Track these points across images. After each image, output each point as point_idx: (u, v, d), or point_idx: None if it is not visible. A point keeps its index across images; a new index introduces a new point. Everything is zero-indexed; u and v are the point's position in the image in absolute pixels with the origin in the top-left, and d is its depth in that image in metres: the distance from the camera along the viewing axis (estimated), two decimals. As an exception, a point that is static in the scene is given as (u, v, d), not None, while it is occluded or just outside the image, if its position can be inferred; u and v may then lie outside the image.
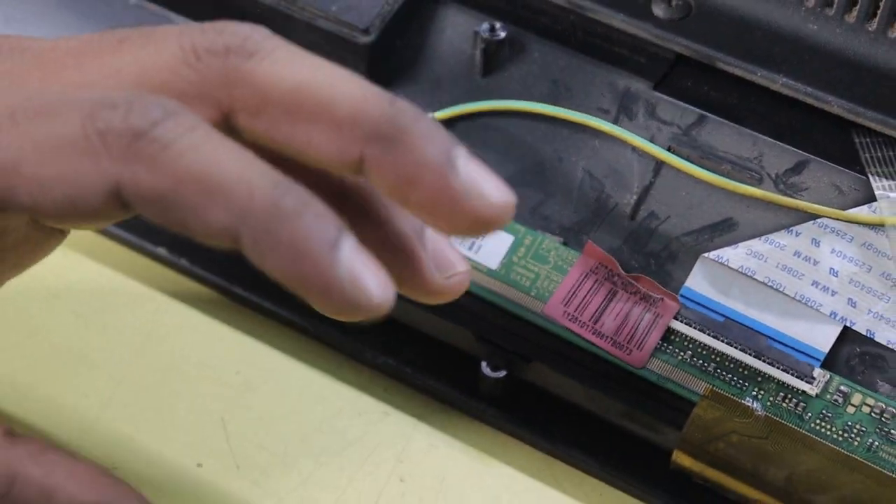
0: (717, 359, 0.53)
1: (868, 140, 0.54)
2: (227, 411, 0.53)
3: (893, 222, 0.52)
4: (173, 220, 0.37)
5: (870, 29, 0.54)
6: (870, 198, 0.53)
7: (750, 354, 0.52)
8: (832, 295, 0.53)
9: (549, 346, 0.54)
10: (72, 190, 0.37)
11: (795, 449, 0.50)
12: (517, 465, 0.53)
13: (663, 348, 0.53)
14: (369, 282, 0.37)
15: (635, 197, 0.55)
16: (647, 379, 0.53)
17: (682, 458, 0.51)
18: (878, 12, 0.54)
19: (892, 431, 0.51)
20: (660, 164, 0.55)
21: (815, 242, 0.53)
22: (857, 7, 0.54)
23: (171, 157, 0.36)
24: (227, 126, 0.40)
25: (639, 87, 0.56)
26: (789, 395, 0.52)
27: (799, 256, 0.53)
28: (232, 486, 0.52)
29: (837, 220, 0.53)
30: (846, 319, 0.52)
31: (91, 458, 0.52)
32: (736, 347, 0.52)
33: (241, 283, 0.56)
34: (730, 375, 0.52)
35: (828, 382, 0.52)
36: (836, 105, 0.53)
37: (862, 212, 0.53)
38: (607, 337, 0.53)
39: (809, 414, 0.51)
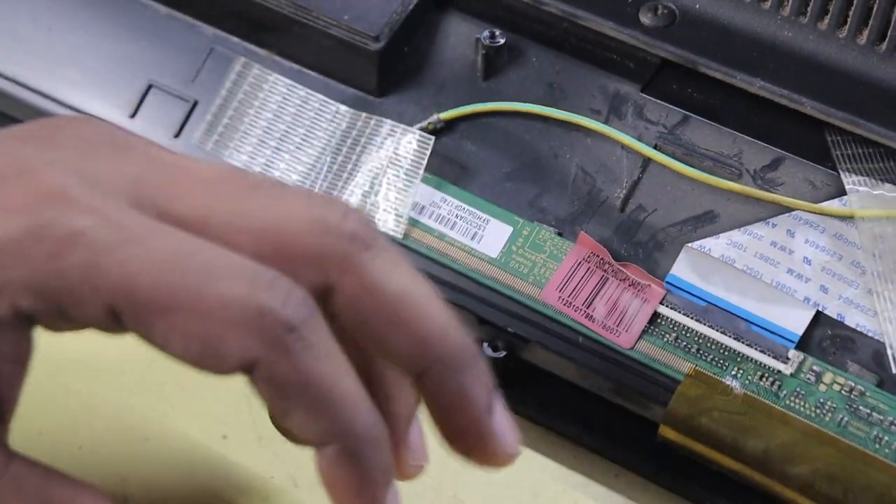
0: (700, 341, 0.52)
1: (839, 138, 0.53)
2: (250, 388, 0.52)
3: (862, 215, 0.52)
4: (281, 408, 0.37)
5: (840, 36, 0.54)
6: (841, 192, 0.53)
7: (730, 337, 0.52)
8: (805, 282, 0.52)
9: (545, 329, 0.53)
10: (210, 352, 0.37)
11: (771, 424, 0.50)
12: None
13: (650, 331, 0.53)
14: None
15: (624, 191, 0.55)
16: (636, 359, 0.53)
17: (667, 432, 0.51)
18: (848, 21, 0.53)
19: (860, 408, 0.50)
20: (647, 161, 0.55)
21: (790, 233, 0.53)
22: (829, 16, 0.54)
23: (309, 360, 0.37)
24: (321, 297, 0.39)
25: (628, 89, 0.56)
26: (766, 375, 0.51)
27: (775, 246, 0.53)
28: (254, 457, 0.51)
29: (811, 212, 0.53)
30: (819, 304, 0.52)
31: (127, 431, 0.52)
32: (717, 330, 0.52)
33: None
34: (711, 356, 0.52)
35: (801, 363, 0.51)
36: (809, 106, 0.53)
37: (833, 205, 0.53)
38: (599, 320, 0.53)
39: (784, 392, 0.51)
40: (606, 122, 0.55)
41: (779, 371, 0.51)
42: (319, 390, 0.37)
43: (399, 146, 0.56)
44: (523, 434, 0.53)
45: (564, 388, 0.54)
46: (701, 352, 0.52)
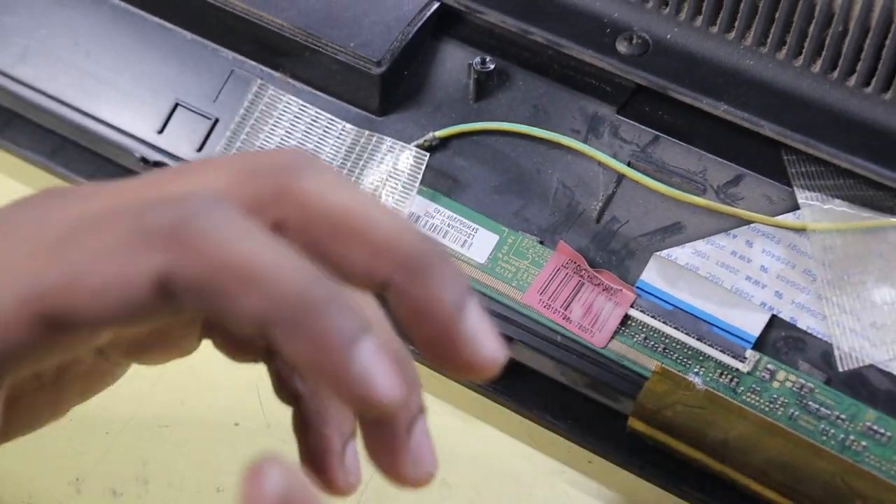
0: (666, 341, 0.52)
1: (794, 158, 0.53)
2: (260, 379, 0.53)
3: (814, 227, 0.52)
4: (213, 307, 0.33)
5: (796, 65, 0.54)
6: (795, 206, 0.53)
7: (693, 337, 0.52)
8: (762, 288, 0.52)
9: (527, 329, 0.53)
10: (121, 290, 0.33)
11: (729, 417, 0.50)
12: (499, 427, 0.53)
13: (622, 331, 0.53)
14: (379, 381, 0.33)
15: (600, 204, 0.55)
16: (608, 357, 0.53)
17: (636, 424, 0.51)
18: (804, 51, 0.53)
19: (810, 403, 0.50)
20: (621, 177, 0.55)
21: (749, 244, 0.53)
22: (787, 47, 0.54)
23: (212, 243, 0.33)
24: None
25: (605, 111, 0.56)
26: (725, 372, 0.51)
27: (735, 255, 0.53)
28: (263, 442, 0.52)
29: (768, 224, 0.53)
30: (774, 309, 0.52)
31: (147, 419, 0.52)
32: (682, 331, 0.52)
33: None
34: (676, 355, 0.52)
35: (757, 361, 0.51)
36: (767, 128, 0.52)
37: (788, 218, 0.53)
38: (575, 321, 0.53)
39: (741, 388, 0.51)
40: (585, 140, 0.55)
41: (737, 369, 0.51)
42: (236, 269, 0.33)
43: (398, 161, 0.56)
44: (506, 425, 0.53)
45: (544, 383, 0.54)
46: (667, 351, 0.52)
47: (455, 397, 0.53)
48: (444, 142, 0.57)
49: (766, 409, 0.51)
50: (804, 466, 0.49)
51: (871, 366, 0.51)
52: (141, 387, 0.53)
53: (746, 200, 0.53)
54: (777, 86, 0.54)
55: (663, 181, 0.54)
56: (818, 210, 0.52)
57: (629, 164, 0.55)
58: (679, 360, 0.52)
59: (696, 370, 0.52)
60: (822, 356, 0.51)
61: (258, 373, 0.52)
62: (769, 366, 0.51)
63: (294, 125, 0.58)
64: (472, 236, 0.55)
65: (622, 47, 0.55)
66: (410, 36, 0.57)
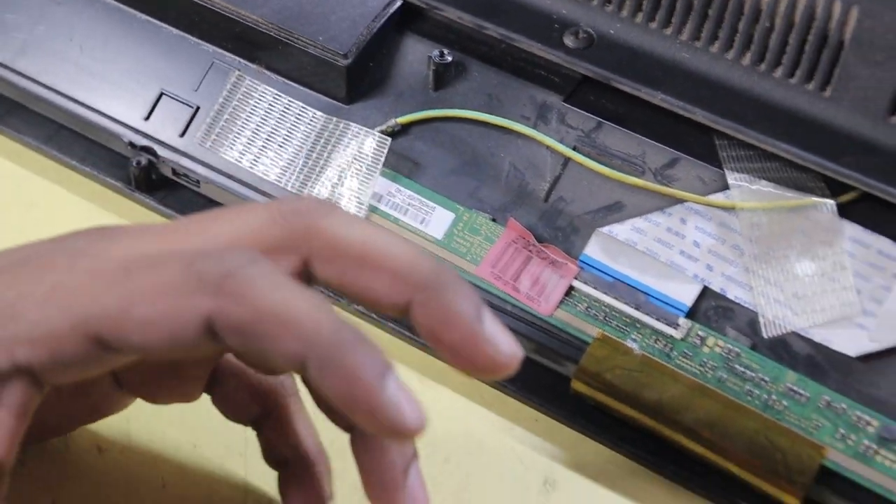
0: (607, 310, 0.52)
1: (725, 142, 0.53)
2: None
3: (742, 206, 0.52)
4: (254, 349, 0.36)
5: (728, 58, 0.53)
6: (725, 187, 0.52)
7: (631, 307, 0.52)
8: (695, 261, 0.52)
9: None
10: (172, 324, 0.36)
11: (664, 379, 0.50)
12: (452, 388, 0.53)
13: (566, 301, 0.53)
14: (406, 409, 0.35)
15: (548, 184, 0.54)
16: (554, 324, 0.53)
17: (579, 386, 0.51)
18: (734, 45, 0.53)
19: (737, 367, 0.50)
20: (567, 160, 0.55)
21: (683, 221, 0.53)
22: (718, 41, 0.53)
23: (254, 293, 0.35)
24: (306, 272, 0.39)
25: (552, 100, 0.56)
26: (660, 338, 0.51)
27: (670, 231, 0.53)
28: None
29: (700, 203, 0.53)
30: (705, 280, 0.52)
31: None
32: (621, 301, 0.52)
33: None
34: (616, 322, 0.52)
35: (689, 329, 0.51)
36: (701, 116, 0.52)
37: (719, 198, 0.52)
38: (524, 292, 0.53)
39: (675, 353, 0.51)
40: (534, 127, 0.55)
41: (670, 336, 0.51)
42: (274, 314, 0.35)
43: (363, 145, 0.56)
44: (459, 386, 0.53)
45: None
46: (607, 319, 0.52)
47: (413, 360, 0.53)
48: (406, 128, 0.57)
49: (697, 372, 0.51)
50: (731, 424, 0.49)
51: (792, 332, 0.50)
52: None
53: (681, 181, 0.53)
54: (710, 77, 0.54)
55: (606, 164, 0.54)
56: (746, 190, 0.52)
57: (575, 149, 0.54)
58: (618, 328, 0.52)
59: (633, 337, 0.52)
60: (748, 324, 0.51)
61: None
62: (700, 332, 0.51)
63: (269, 113, 0.57)
64: (430, 214, 0.55)
65: (569, 41, 0.55)
66: (375, 31, 0.57)
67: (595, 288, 0.52)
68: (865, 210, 0.51)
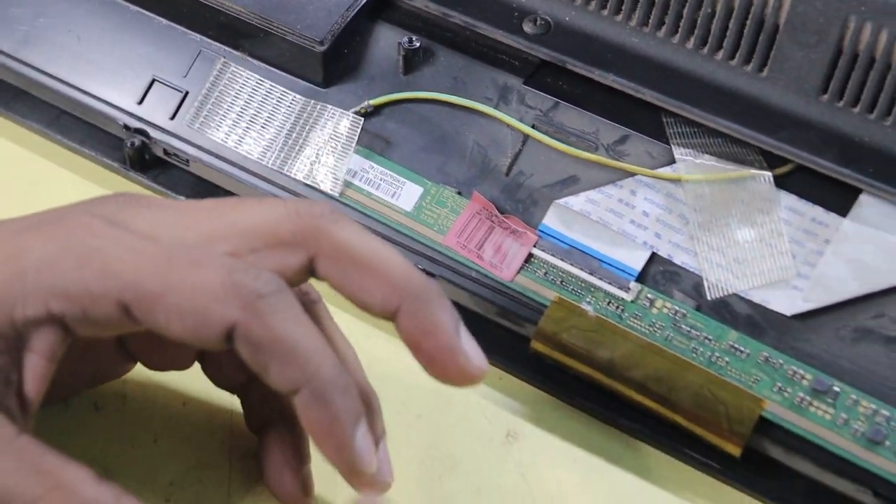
0: (563, 275, 0.52)
1: (672, 120, 0.53)
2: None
3: (688, 178, 0.52)
4: (259, 363, 0.38)
5: (674, 42, 0.53)
6: (672, 161, 0.52)
7: (586, 272, 0.52)
8: (644, 230, 0.52)
9: (447, 266, 0.53)
10: (199, 322, 0.37)
11: (615, 339, 0.50)
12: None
13: (526, 268, 0.52)
14: (367, 457, 0.39)
15: (509, 160, 0.54)
16: (514, 289, 0.52)
17: (538, 346, 0.51)
18: (679, 30, 0.53)
19: (683, 326, 0.50)
20: (527, 137, 0.54)
21: (633, 192, 0.52)
22: (664, 27, 0.53)
23: (276, 320, 0.37)
24: (310, 268, 0.40)
25: (513, 82, 0.55)
26: (612, 301, 0.51)
27: (621, 202, 0.52)
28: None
29: (649, 176, 0.52)
30: (653, 247, 0.51)
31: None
32: (576, 267, 0.52)
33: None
34: (571, 287, 0.52)
35: (639, 292, 0.51)
36: (649, 95, 0.52)
37: (666, 171, 0.52)
38: (487, 259, 0.52)
39: (626, 314, 0.51)
40: (496, 107, 0.55)
41: (622, 298, 0.51)
42: (287, 344, 0.37)
43: (338, 126, 0.55)
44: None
45: (461, 312, 0.53)
46: (563, 283, 0.52)
47: (383, 325, 0.52)
48: (378, 109, 0.56)
49: (647, 331, 0.50)
50: (677, 379, 0.48)
51: (733, 294, 0.50)
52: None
53: (631, 156, 0.53)
54: (658, 60, 0.53)
55: (562, 141, 0.53)
56: (691, 164, 0.52)
57: (533, 127, 0.54)
58: (574, 292, 0.51)
59: (587, 300, 0.51)
60: (693, 287, 0.51)
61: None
62: (649, 295, 0.51)
63: (252, 96, 0.57)
64: (400, 188, 0.54)
65: (528, 28, 0.55)
66: (349, 19, 0.56)
67: (552, 255, 0.52)
68: (799, 181, 0.51)
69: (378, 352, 0.51)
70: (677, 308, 0.50)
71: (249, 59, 0.58)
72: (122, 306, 0.38)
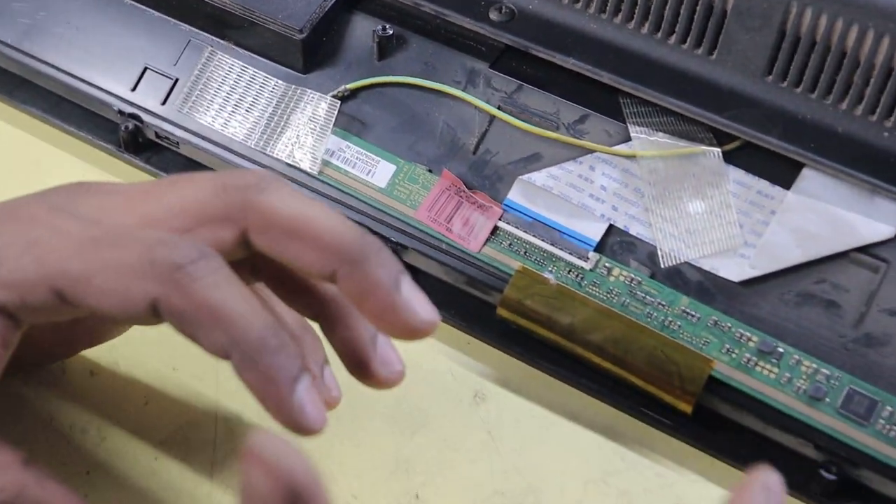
0: (527, 246, 0.51)
1: (628, 100, 0.52)
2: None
3: (642, 155, 0.51)
4: (187, 333, 0.36)
5: (629, 27, 0.52)
6: (628, 138, 0.52)
7: (547, 243, 0.51)
8: (602, 203, 0.51)
9: (418, 238, 0.52)
10: (123, 299, 0.36)
11: (575, 305, 0.49)
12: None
13: (492, 239, 0.52)
14: (310, 412, 0.36)
15: (476, 139, 0.53)
16: (481, 260, 0.52)
17: (503, 312, 0.50)
18: (634, 16, 0.52)
19: (638, 293, 0.49)
20: (493, 118, 0.54)
21: (592, 168, 0.52)
22: (620, 13, 0.52)
23: (196, 288, 0.35)
24: (244, 240, 0.38)
25: (480, 66, 0.55)
26: (572, 270, 0.50)
27: (581, 178, 0.52)
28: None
29: (607, 153, 0.52)
30: (611, 219, 0.51)
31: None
32: (539, 238, 0.51)
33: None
34: (534, 257, 0.51)
35: (597, 261, 0.50)
36: (607, 77, 0.51)
37: (622, 148, 0.52)
38: (456, 232, 0.52)
39: (585, 282, 0.50)
40: (464, 89, 0.54)
41: (581, 267, 0.50)
42: (210, 310, 0.35)
43: (317, 109, 0.55)
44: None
45: (431, 281, 0.53)
46: (527, 254, 0.51)
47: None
48: (354, 93, 0.55)
49: (604, 298, 0.50)
50: (633, 342, 0.48)
51: (685, 262, 0.50)
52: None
53: (590, 134, 0.52)
54: (615, 44, 0.53)
55: (525, 120, 0.53)
56: (646, 141, 0.51)
57: (499, 108, 0.54)
58: (536, 261, 0.51)
59: (549, 269, 0.51)
60: (648, 256, 0.50)
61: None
62: (606, 264, 0.50)
63: (237, 82, 0.56)
64: (375, 167, 0.54)
65: (494, 16, 0.54)
66: (326, 9, 0.56)
67: (516, 227, 0.52)
68: (747, 156, 0.50)
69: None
70: (633, 276, 0.50)
71: (235, 47, 0.57)
72: (57, 292, 0.37)
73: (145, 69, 0.58)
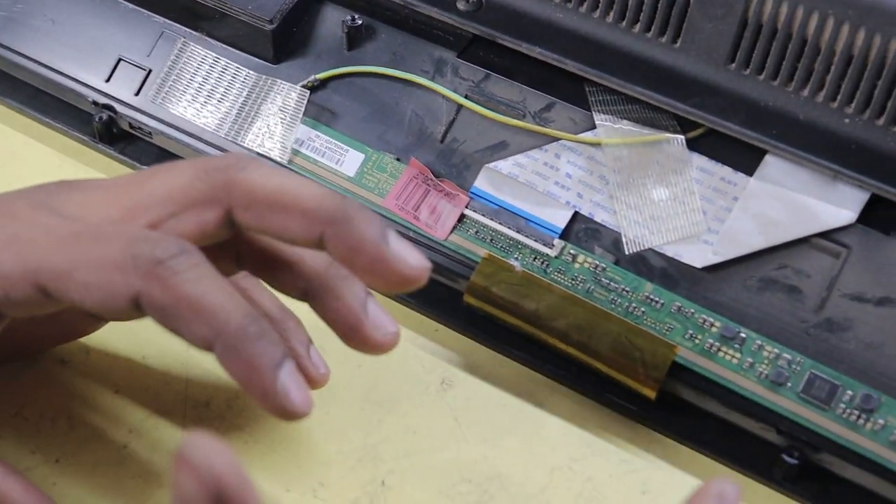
0: (493, 233, 0.49)
1: (594, 89, 0.50)
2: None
3: (607, 142, 0.49)
4: (169, 326, 0.35)
5: (594, 17, 0.50)
6: (593, 126, 0.49)
7: (513, 230, 0.49)
8: (567, 190, 0.49)
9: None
10: (106, 294, 0.35)
11: (541, 291, 0.47)
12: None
13: (459, 227, 0.50)
14: (295, 397, 0.34)
15: (444, 128, 0.51)
16: (448, 247, 0.50)
17: (470, 299, 0.48)
18: (599, 6, 0.50)
19: (603, 279, 0.47)
20: (460, 107, 0.51)
21: (557, 156, 0.50)
22: (586, 2, 0.50)
23: (177, 282, 0.34)
24: (229, 220, 0.37)
25: (447, 55, 0.52)
26: (538, 257, 0.48)
27: (546, 165, 0.50)
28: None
29: (572, 141, 0.50)
30: (576, 206, 0.49)
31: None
32: (505, 226, 0.49)
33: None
34: (500, 244, 0.49)
35: (563, 248, 0.48)
36: (572, 66, 0.49)
37: (588, 136, 0.49)
38: (423, 220, 0.50)
39: (550, 269, 0.48)
40: (432, 79, 0.52)
41: (547, 254, 0.48)
42: (191, 303, 0.34)
43: (287, 99, 0.52)
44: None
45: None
46: (493, 241, 0.49)
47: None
48: (324, 83, 0.53)
49: (569, 284, 0.48)
50: (598, 328, 0.46)
51: (649, 249, 0.48)
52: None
53: (556, 122, 0.50)
54: (580, 33, 0.50)
55: (492, 109, 0.51)
56: (611, 129, 0.49)
57: (466, 97, 0.51)
58: (502, 248, 0.49)
59: (515, 256, 0.49)
60: (612, 243, 0.48)
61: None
62: (571, 251, 0.48)
63: (209, 73, 0.54)
64: (344, 156, 0.52)
65: (461, 5, 0.52)
66: (296, 0, 0.54)
67: (483, 215, 0.49)
68: (710, 143, 0.48)
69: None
70: (597, 262, 0.48)
71: (207, 38, 0.55)
72: (39, 287, 0.36)
73: (119, 60, 0.56)
